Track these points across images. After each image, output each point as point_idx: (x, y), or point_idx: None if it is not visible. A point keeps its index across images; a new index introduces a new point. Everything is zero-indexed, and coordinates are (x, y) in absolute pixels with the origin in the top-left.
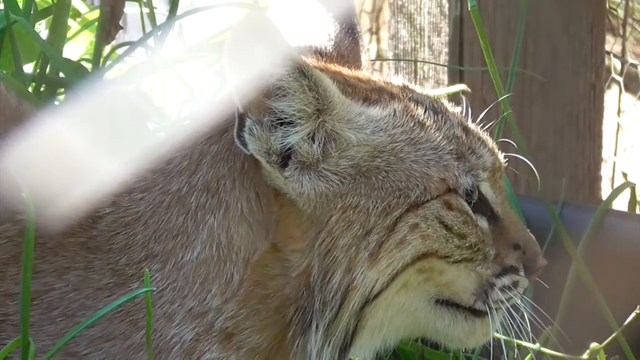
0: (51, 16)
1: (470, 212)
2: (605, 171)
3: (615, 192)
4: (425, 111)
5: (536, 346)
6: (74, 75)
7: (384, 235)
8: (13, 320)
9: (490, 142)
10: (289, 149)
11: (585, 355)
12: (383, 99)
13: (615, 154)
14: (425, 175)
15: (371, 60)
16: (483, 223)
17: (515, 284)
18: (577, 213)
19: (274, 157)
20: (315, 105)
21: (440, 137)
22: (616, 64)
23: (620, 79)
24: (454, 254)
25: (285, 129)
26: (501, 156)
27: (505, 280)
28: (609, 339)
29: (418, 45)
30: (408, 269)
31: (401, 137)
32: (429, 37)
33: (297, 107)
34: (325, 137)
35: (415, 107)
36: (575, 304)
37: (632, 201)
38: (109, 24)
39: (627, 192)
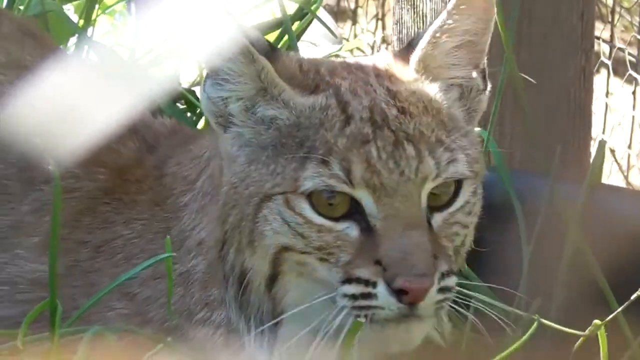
0: (77, 1)
1: (311, 215)
2: (594, 148)
3: (596, 160)
4: (336, 110)
5: (535, 317)
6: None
7: (251, 223)
8: (83, 266)
9: (387, 167)
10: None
11: (586, 332)
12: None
13: (603, 132)
14: (283, 170)
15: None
16: (349, 230)
17: (366, 296)
18: (567, 186)
19: (220, 120)
20: (254, 85)
21: (323, 139)
22: (605, 49)
23: (609, 63)
24: (307, 251)
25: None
26: (401, 187)
27: (351, 288)
28: (610, 316)
29: (420, 31)
30: (281, 257)
31: (288, 130)
32: (430, 22)
33: (239, 87)
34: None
35: (329, 105)
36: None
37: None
38: None
39: (614, 170)
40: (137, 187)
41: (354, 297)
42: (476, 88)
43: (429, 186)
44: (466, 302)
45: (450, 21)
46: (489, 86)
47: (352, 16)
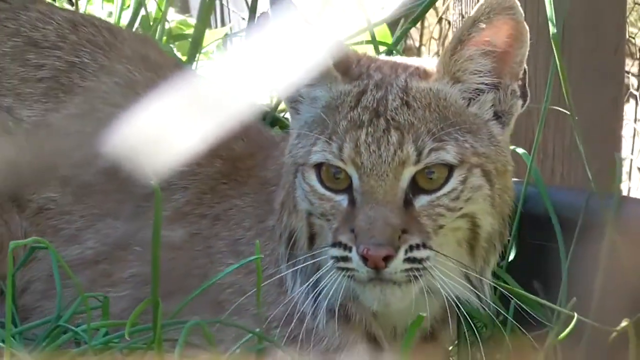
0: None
1: (316, 185)
2: (624, 168)
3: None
4: (351, 98)
5: (574, 315)
6: None
7: (292, 190)
8: (203, 234)
9: (368, 150)
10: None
11: (618, 328)
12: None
13: (632, 153)
14: (307, 144)
15: None
16: (343, 201)
17: (345, 259)
18: (602, 201)
19: (293, 104)
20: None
21: (334, 121)
22: (634, 81)
23: (637, 94)
24: (316, 216)
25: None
26: (377, 167)
27: (334, 251)
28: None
29: None
30: (310, 220)
31: (323, 110)
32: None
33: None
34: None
35: (349, 92)
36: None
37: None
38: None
39: None
40: (248, 172)
41: (336, 258)
42: (511, 94)
43: (411, 170)
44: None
45: (466, 33)
46: (529, 94)
47: (416, 52)
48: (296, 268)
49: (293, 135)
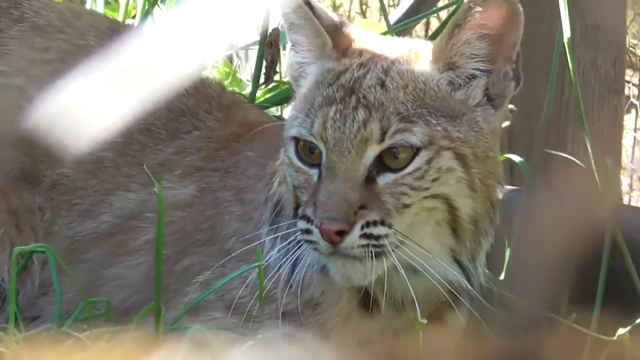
0: None
1: (293, 157)
2: (623, 176)
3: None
4: (332, 75)
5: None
6: None
7: (284, 161)
8: (213, 186)
9: (334, 126)
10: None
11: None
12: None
13: (632, 162)
14: (291, 118)
15: None
16: (314, 175)
17: (307, 231)
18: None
19: (297, 82)
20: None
21: (313, 96)
22: (634, 91)
23: (638, 103)
24: (295, 187)
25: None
26: (340, 144)
27: (300, 223)
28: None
29: None
30: (295, 192)
31: (311, 85)
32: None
33: (309, 54)
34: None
35: (332, 70)
36: None
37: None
38: (269, 70)
39: None
40: (261, 133)
41: (302, 231)
42: (504, 77)
43: (375, 148)
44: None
45: (462, 17)
46: (522, 77)
47: None
48: (277, 235)
49: (291, 107)
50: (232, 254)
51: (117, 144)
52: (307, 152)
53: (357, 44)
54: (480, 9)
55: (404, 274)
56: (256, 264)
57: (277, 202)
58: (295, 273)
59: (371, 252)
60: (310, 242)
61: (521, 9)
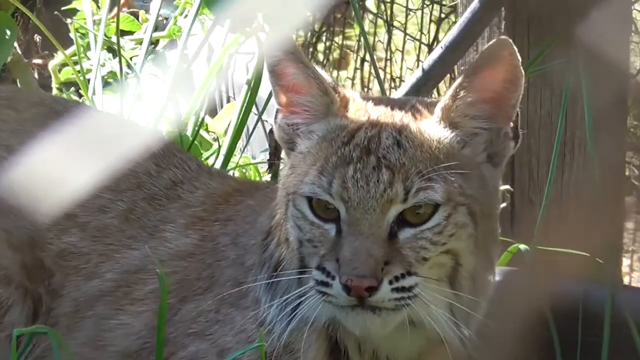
0: None
1: (307, 212)
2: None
3: None
4: (345, 133)
5: None
6: None
7: (285, 222)
8: (212, 234)
9: (356, 185)
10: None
11: None
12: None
13: (633, 244)
14: (299, 173)
15: None
16: (331, 230)
17: (325, 284)
18: None
19: (289, 145)
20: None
21: (326, 154)
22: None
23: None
24: (304, 242)
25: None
26: (364, 202)
27: (317, 274)
28: None
29: None
30: (302, 252)
31: (317, 142)
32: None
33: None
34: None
35: (345, 127)
36: None
37: None
38: (272, 157)
39: None
40: (261, 189)
41: (317, 282)
42: (504, 137)
43: (398, 207)
44: None
45: (468, 79)
46: (520, 136)
47: None
48: (275, 292)
49: (287, 168)
50: (225, 300)
51: (122, 211)
52: (322, 207)
53: (355, 104)
54: (486, 72)
55: (411, 327)
56: (249, 311)
57: (277, 263)
58: (289, 326)
59: (404, 304)
60: (325, 294)
61: (522, 71)
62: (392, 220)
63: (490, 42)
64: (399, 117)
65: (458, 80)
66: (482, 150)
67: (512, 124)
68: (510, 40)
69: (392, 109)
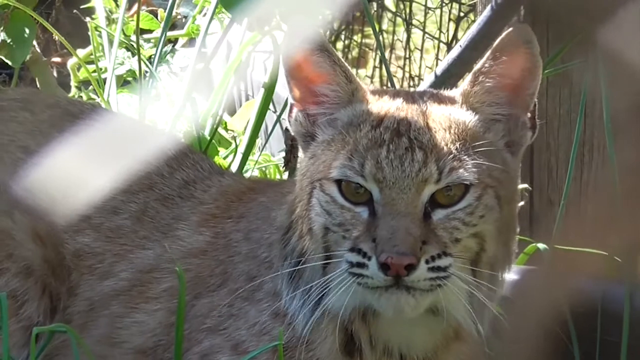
0: None
1: (337, 196)
2: None
3: None
4: (373, 117)
5: None
6: None
7: (307, 212)
8: (225, 230)
9: (390, 165)
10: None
11: None
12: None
13: None
14: (325, 160)
15: None
16: (363, 213)
17: (361, 265)
18: None
19: (307, 138)
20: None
21: (355, 138)
22: None
23: None
24: (332, 228)
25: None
26: (400, 182)
27: (351, 256)
28: None
29: None
30: (327, 239)
31: (342, 128)
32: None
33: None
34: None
35: (373, 115)
36: None
37: None
38: (289, 155)
39: None
40: (274, 186)
41: (351, 264)
42: (522, 126)
43: (432, 187)
44: None
45: (487, 65)
46: (537, 126)
47: None
48: (298, 285)
49: (306, 159)
50: (238, 295)
51: (134, 212)
52: (352, 191)
53: (375, 94)
54: (505, 58)
55: (430, 315)
56: (262, 304)
57: (299, 256)
58: (312, 316)
59: (438, 284)
60: (360, 275)
61: (541, 59)
62: (425, 201)
63: (509, 29)
64: (423, 102)
65: (477, 66)
66: (500, 138)
67: (529, 114)
68: (530, 28)
69: (413, 97)
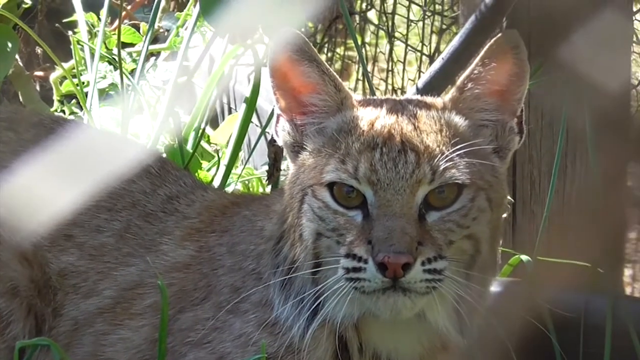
0: None
1: (329, 201)
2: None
3: None
4: (364, 122)
5: None
6: None
7: (298, 219)
8: (209, 244)
9: (384, 168)
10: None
11: None
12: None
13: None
14: (316, 167)
15: None
16: (357, 217)
17: (357, 270)
18: None
19: (295, 148)
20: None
21: (347, 143)
22: None
23: None
24: (325, 234)
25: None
26: (394, 183)
27: (347, 262)
28: None
29: None
30: (318, 245)
31: (332, 135)
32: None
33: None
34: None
35: (364, 120)
36: None
37: None
38: (272, 168)
39: None
40: (257, 199)
41: (347, 269)
42: (509, 131)
43: (425, 188)
44: None
45: (476, 71)
46: (525, 131)
47: None
48: (289, 293)
49: (295, 168)
50: (222, 307)
51: (117, 230)
52: (343, 196)
53: (361, 101)
54: (494, 64)
55: (418, 320)
56: (249, 315)
57: (291, 264)
58: (311, 326)
59: (433, 286)
60: (357, 280)
61: (528, 65)
62: (419, 202)
63: (497, 35)
64: (412, 107)
65: (466, 72)
66: (489, 143)
67: (516, 119)
68: (518, 33)
69: (401, 102)
